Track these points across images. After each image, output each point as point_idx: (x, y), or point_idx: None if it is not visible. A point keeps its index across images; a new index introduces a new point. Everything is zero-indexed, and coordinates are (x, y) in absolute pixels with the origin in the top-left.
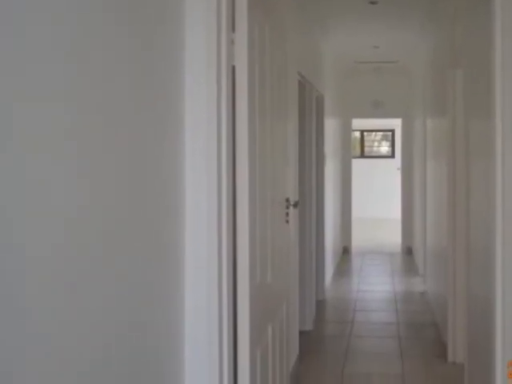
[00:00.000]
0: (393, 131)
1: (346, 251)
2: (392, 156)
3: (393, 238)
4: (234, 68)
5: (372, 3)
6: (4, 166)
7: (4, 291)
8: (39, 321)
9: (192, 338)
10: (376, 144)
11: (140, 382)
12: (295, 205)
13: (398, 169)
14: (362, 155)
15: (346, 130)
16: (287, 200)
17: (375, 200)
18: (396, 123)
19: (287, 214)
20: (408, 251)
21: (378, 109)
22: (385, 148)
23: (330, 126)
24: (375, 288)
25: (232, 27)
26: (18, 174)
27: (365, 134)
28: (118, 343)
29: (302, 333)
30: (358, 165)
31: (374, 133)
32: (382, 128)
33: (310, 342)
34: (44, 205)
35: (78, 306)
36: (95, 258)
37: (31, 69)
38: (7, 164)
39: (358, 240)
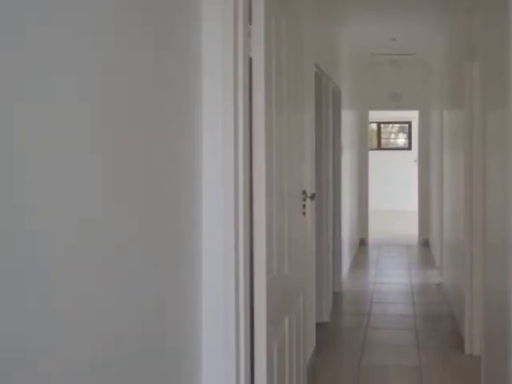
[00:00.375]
0: (410, 123)
1: (362, 243)
2: (409, 148)
3: (410, 230)
4: (250, 60)
5: None
6: (17, 164)
7: (11, 291)
8: (48, 321)
9: (209, 331)
10: (393, 136)
11: (159, 374)
12: (312, 197)
13: (414, 161)
14: (379, 147)
15: (363, 121)
16: (304, 192)
17: (392, 192)
18: (413, 115)
19: (304, 206)
20: (425, 243)
21: (395, 101)
22: (402, 140)
23: (347, 117)
24: (392, 280)
25: (249, 19)
26: (34, 173)
27: (382, 125)
28: (137, 340)
29: (318, 325)
30: (374, 157)
31: (390, 125)
32: (398, 120)
33: (327, 334)
34: (57, 203)
35: (94, 305)
36: (109, 256)
37: (44, 65)
38: (20, 162)
39: (374, 232)
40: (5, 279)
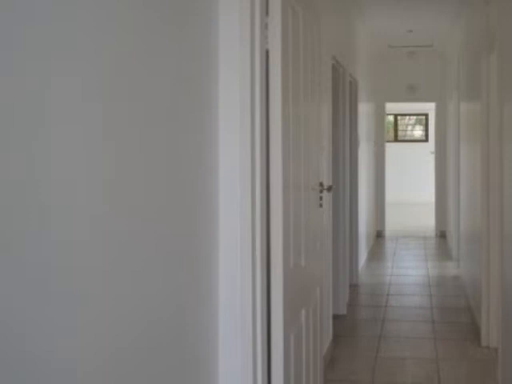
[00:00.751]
0: (426, 115)
1: (379, 235)
2: (426, 140)
3: (426, 221)
4: (267, 52)
5: None
6: (40, 164)
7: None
8: (68, 317)
9: (226, 324)
10: (410, 128)
11: (176, 365)
12: (329, 189)
13: (431, 153)
14: (396, 139)
15: (380, 113)
16: (321, 184)
17: (409, 184)
18: (430, 107)
19: (321, 198)
20: (442, 235)
21: (411, 93)
22: (418, 132)
23: (364, 109)
24: (409, 272)
25: (265, 11)
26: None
27: (398, 117)
28: (155, 333)
29: (335, 317)
30: (391, 149)
31: (407, 117)
32: (415, 112)
33: (344, 326)
34: (73, 201)
35: (111, 301)
36: (126, 250)
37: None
38: (44, 162)
39: (391, 224)
40: (21, 275)
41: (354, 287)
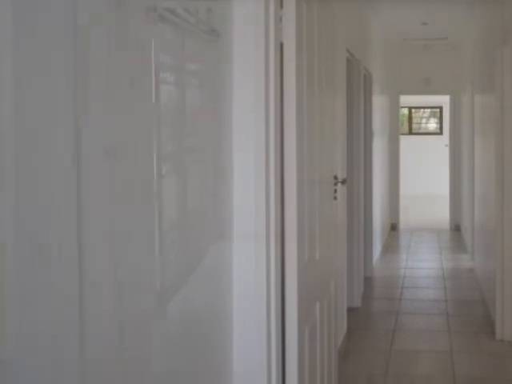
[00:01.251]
0: (441, 108)
1: (393, 228)
2: (440, 133)
3: (441, 214)
4: (281, 45)
5: None
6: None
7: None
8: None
9: (240, 316)
10: (424, 121)
11: (191, 357)
12: (343, 182)
13: (446, 145)
14: (410, 132)
15: (394, 106)
16: (335, 177)
17: (423, 177)
18: (444, 100)
19: (335, 191)
20: (456, 228)
21: (426, 86)
22: (433, 125)
23: (378, 102)
24: (423, 265)
25: (280, 4)
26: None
27: (413, 110)
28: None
29: (350, 309)
30: (405, 142)
31: (422, 109)
32: (430, 105)
33: (358, 319)
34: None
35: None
36: (147, 236)
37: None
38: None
39: (405, 217)
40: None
41: (368, 280)
